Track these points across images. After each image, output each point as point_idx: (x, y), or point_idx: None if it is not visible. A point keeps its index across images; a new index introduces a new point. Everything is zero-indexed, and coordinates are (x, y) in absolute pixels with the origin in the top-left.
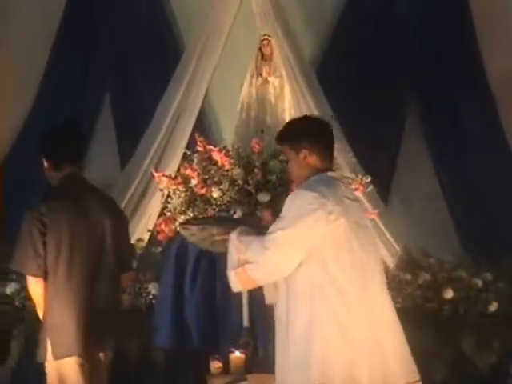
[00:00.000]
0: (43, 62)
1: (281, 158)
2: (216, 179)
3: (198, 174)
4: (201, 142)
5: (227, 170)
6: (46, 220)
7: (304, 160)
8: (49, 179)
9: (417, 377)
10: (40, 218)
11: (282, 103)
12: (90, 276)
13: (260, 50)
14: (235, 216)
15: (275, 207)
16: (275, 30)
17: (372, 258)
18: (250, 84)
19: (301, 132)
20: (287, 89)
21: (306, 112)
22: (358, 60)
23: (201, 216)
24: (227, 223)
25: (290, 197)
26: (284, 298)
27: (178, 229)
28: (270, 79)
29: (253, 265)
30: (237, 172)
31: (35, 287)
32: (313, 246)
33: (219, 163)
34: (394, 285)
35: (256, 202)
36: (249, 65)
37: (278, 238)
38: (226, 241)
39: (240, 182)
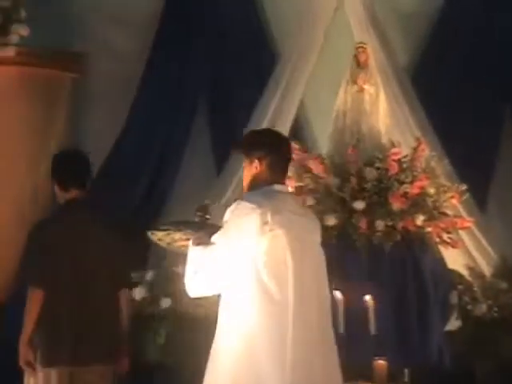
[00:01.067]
0: (139, 71)
1: (376, 165)
2: (311, 187)
3: (293, 182)
4: (296, 149)
5: (322, 178)
6: (46, 234)
7: (255, 170)
8: (57, 198)
9: None
10: (41, 233)
11: (377, 111)
12: (81, 292)
13: (355, 57)
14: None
15: (370, 215)
16: (370, 38)
17: (310, 274)
18: (345, 92)
19: (256, 143)
20: (382, 96)
21: (401, 120)
22: (453, 67)
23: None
24: (188, 228)
25: (230, 207)
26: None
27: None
28: (366, 87)
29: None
30: (332, 180)
31: (35, 297)
32: (246, 254)
33: (314, 171)
34: (491, 294)
35: (351, 209)
36: (344, 73)
37: (214, 253)
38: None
39: (335, 189)
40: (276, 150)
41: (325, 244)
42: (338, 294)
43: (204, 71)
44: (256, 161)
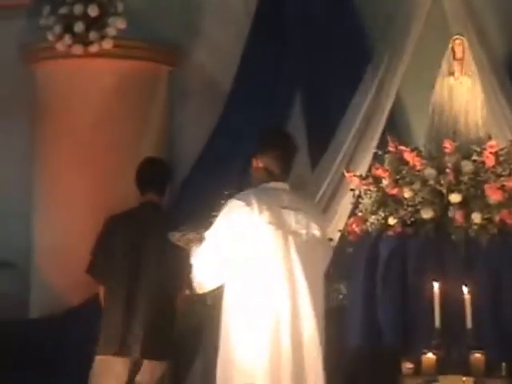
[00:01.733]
0: (234, 66)
1: (473, 158)
2: (407, 179)
3: (390, 174)
4: (392, 142)
5: (419, 171)
6: (110, 230)
7: (255, 168)
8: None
9: None
10: (107, 229)
11: (474, 103)
12: (134, 288)
13: (452, 49)
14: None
15: (467, 208)
16: (467, 29)
17: (301, 268)
18: (442, 85)
19: (258, 142)
20: (479, 89)
21: (498, 111)
22: None
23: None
24: (202, 229)
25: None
26: None
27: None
28: (462, 79)
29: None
30: (429, 172)
31: (99, 289)
32: (237, 252)
33: (411, 163)
34: None
35: (448, 202)
36: (440, 65)
37: (203, 248)
38: None
39: (432, 182)
40: (273, 148)
41: (421, 237)
42: (435, 287)
43: (298, 68)
44: (256, 160)
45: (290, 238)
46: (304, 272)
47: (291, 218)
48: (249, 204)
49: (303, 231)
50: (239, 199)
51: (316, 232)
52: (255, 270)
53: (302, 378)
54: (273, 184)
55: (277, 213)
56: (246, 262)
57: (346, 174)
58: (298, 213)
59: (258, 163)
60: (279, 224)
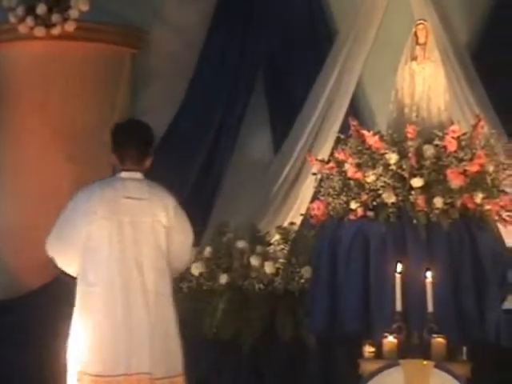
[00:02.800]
0: (198, 46)
1: (435, 142)
2: (369, 164)
3: (352, 159)
4: (354, 126)
5: (381, 155)
6: None
7: (115, 160)
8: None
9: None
10: None
11: (436, 88)
12: None
13: (415, 34)
14: None
15: (429, 192)
16: (430, 14)
17: (144, 255)
18: (404, 69)
19: (111, 136)
20: (442, 73)
21: (460, 96)
22: None
23: None
24: None
25: None
26: None
27: None
28: (425, 64)
29: None
30: (391, 157)
31: None
32: (79, 240)
33: (373, 148)
34: None
35: (409, 187)
36: (402, 49)
37: (50, 235)
38: None
39: (394, 167)
40: (117, 140)
41: (383, 221)
42: (396, 271)
43: (262, 47)
44: (112, 154)
45: (129, 226)
46: (147, 258)
47: (134, 207)
48: (90, 197)
49: (147, 219)
50: (83, 191)
51: (163, 219)
52: (84, 258)
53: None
54: (123, 174)
55: (119, 204)
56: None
57: (309, 158)
58: (141, 202)
59: (115, 157)
60: (116, 213)
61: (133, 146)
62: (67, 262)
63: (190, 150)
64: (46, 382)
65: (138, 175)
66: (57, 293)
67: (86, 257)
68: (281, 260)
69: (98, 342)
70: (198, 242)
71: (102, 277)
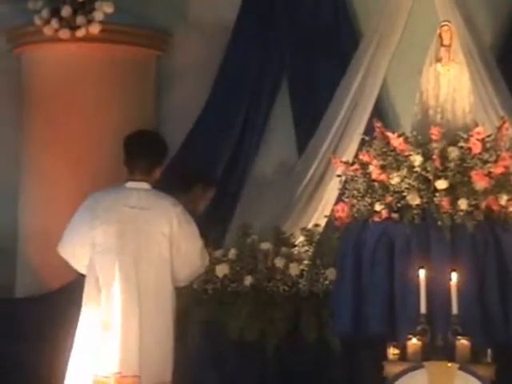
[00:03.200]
0: (222, 49)
1: (460, 144)
2: (394, 166)
3: (376, 161)
4: (379, 127)
5: (405, 157)
6: None
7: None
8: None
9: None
10: None
11: (461, 90)
12: None
13: (439, 36)
14: None
15: (453, 194)
16: (455, 16)
17: (145, 264)
18: (429, 71)
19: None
20: (466, 75)
21: (485, 98)
22: None
23: None
24: None
25: None
26: None
27: None
28: (450, 66)
29: None
30: (415, 158)
31: None
32: (85, 245)
33: (397, 150)
34: None
35: (434, 188)
36: (427, 51)
37: (61, 238)
38: None
39: (418, 168)
40: (128, 150)
41: (408, 223)
42: (421, 272)
43: (287, 48)
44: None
45: (131, 234)
46: (149, 266)
47: (137, 216)
48: (93, 204)
49: (150, 228)
50: (90, 199)
51: (165, 230)
52: (94, 264)
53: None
54: (129, 184)
55: (121, 212)
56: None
57: (333, 160)
58: (145, 212)
59: (125, 166)
60: (119, 221)
61: (141, 157)
62: (78, 265)
63: (215, 151)
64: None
65: (145, 185)
66: (73, 294)
67: (93, 261)
68: (305, 262)
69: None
70: (221, 243)
71: (106, 281)
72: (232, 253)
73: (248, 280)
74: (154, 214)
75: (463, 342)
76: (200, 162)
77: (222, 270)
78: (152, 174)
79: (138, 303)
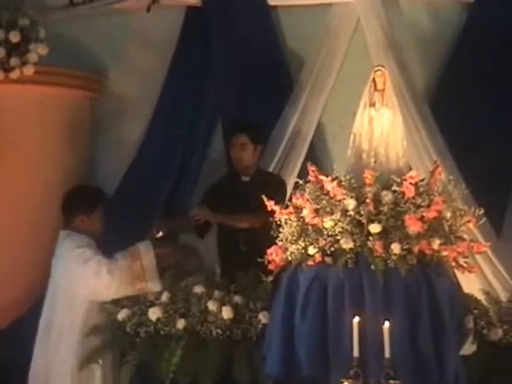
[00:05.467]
0: (157, 91)
1: (393, 188)
2: (328, 209)
3: (310, 204)
4: (313, 171)
5: (339, 201)
6: None
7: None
8: None
9: None
10: None
11: (394, 134)
12: None
13: (373, 80)
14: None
15: (386, 238)
16: (388, 60)
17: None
18: (363, 115)
19: None
20: (400, 119)
21: (418, 143)
22: (472, 91)
23: None
24: None
25: None
26: None
27: None
28: (383, 110)
29: None
30: (349, 202)
31: None
32: None
33: (331, 193)
34: (507, 319)
35: (367, 232)
36: (361, 95)
37: None
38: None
39: (352, 212)
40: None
41: (341, 266)
42: (354, 316)
43: (221, 94)
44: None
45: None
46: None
47: (55, 264)
48: None
49: (59, 266)
50: None
51: (71, 266)
52: None
53: None
54: (61, 232)
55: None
56: None
57: (267, 203)
58: (56, 259)
59: None
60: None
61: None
62: None
63: (150, 196)
64: None
65: (64, 233)
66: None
67: None
68: (239, 305)
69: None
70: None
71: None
72: (165, 296)
73: (181, 323)
74: (59, 254)
75: None
76: (136, 206)
77: (154, 313)
78: (72, 224)
79: (49, 336)
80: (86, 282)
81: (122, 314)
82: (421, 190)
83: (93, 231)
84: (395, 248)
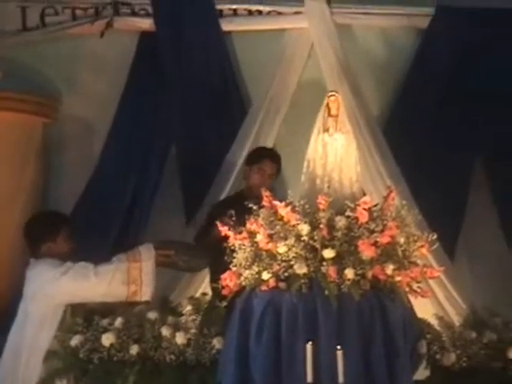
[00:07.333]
0: (109, 117)
1: (346, 214)
2: (282, 235)
3: (264, 229)
4: (267, 197)
5: (293, 226)
6: None
7: None
8: None
9: None
10: None
11: (348, 159)
12: None
13: (327, 106)
14: None
15: (340, 263)
16: (342, 86)
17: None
18: (316, 140)
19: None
20: (353, 145)
21: (372, 168)
22: (424, 117)
23: None
24: None
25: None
26: None
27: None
28: (337, 136)
29: None
30: (302, 228)
31: None
32: None
33: (285, 219)
34: (460, 343)
35: (321, 258)
36: (315, 121)
37: None
38: None
39: (305, 237)
40: None
41: (295, 292)
42: (308, 342)
43: (174, 120)
44: None
45: None
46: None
47: (27, 287)
48: None
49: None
50: None
51: (36, 289)
52: None
53: None
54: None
55: None
56: None
57: (221, 229)
58: (27, 282)
59: None
60: None
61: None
62: None
63: (103, 221)
64: None
65: (34, 260)
66: None
67: None
68: (192, 331)
69: None
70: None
71: None
72: (118, 321)
73: (134, 349)
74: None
75: None
76: (91, 231)
77: (108, 338)
78: (38, 251)
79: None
80: (68, 286)
81: (74, 340)
82: (374, 215)
83: (63, 254)
84: (349, 273)
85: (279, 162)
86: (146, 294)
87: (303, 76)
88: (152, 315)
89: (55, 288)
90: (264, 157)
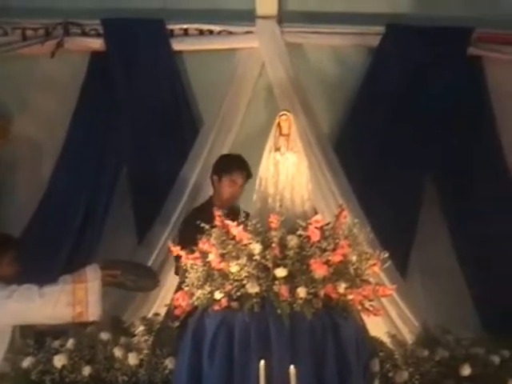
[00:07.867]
0: (61, 137)
1: (298, 232)
2: (234, 254)
3: (216, 249)
4: (219, 216)
5: (245, 245)
6: None
7: None
8: None
9: None
10: None
11: (300, 178)
12: None
13: (278, 125)
14: None
15: (292, 282)
16: (293, 105)
17: None
18: (268, 159)
19: None
20: (305, 164)
21: (324, 186)
22: (375, 135)
23: None
24: None
25: None
26: None
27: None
28: (288, 154)
29: None
30: (254, 247)
31: None
32: None
33: (237, 238)
34: (412, 361)
35: (273, 277)
36: (266, 140)
37: None
38: None
39: (258, 257)
40: None
41: (247, 311)
42: (260, 361)
43: (125, 140)
44: None
45: None
46: None
47: None
48: None
49: None
50: None
51: None
52: None
53: None
54: None
55: None
56: None
57: (172, 249)
58: None
59: None
60: None
61: None
62: None
63: (55, 242)
64: None
65: None
66: None
67: None
68: (145, 351)
69: None
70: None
71: None
72: (70, 343)
73: (87, 370)
74: None
75: None
76: (42, 252)
77: (60, 360)
78: None
79: None
80: (13, 309)
81: (26, 362)
82: (326, 233)
83: (7, 277)
84: (301, 292)
85: (248, 169)
86: (93, 314)
87: (254, 95)
88: (104, 336)
89: (0, 311)
90: (233, 167)
